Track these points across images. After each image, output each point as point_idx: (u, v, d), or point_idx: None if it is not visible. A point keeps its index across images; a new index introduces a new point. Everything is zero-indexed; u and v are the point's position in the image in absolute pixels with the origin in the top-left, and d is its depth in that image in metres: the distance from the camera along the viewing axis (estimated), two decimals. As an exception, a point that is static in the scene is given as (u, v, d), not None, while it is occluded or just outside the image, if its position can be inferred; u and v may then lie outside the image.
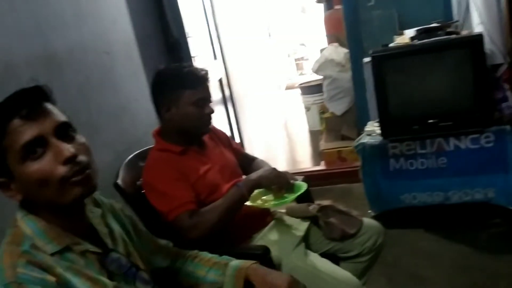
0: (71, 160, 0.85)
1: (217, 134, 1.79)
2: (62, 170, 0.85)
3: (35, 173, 0.84)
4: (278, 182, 1.52)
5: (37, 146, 0.84)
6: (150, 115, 2.19)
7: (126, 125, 2.11)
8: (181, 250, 1.24)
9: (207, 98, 1.59)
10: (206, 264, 1.18)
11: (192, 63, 2.56)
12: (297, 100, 5.75)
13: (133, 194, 1.57)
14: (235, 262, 1.16)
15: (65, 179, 0.85)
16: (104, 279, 0.89)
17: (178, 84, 1.55)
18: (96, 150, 0.95)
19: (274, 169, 1.55)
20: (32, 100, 0.85)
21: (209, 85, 1.60)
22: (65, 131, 0.88)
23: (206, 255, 1.22)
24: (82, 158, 0.87)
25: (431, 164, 2.55)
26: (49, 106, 0.88)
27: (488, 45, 2.32)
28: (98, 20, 2.05)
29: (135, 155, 1.75)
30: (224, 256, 1.20)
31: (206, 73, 1.59)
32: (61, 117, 0.89)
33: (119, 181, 1.57)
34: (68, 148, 0.85)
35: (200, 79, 1.57)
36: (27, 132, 0.83)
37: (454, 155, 2.49)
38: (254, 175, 1.52)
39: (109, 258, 0.95)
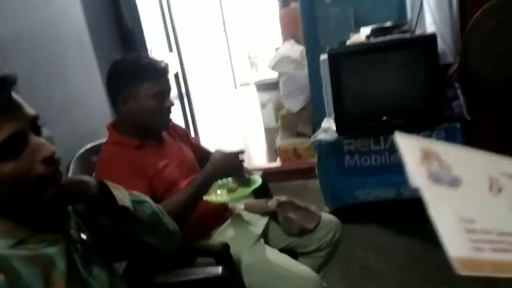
0: (51, 158, 0.79)
1: (176, 129, 1.73)
2: (40, 169, 0.79)
3: (10, 173, 0.76)
4: (234, 173, 1.52)
5: (14, 144, 0.77)
6: (103, 109, 2.11)
7: (77, 119, 2.01)
8: None
9: (167, 91, 1.53)
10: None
11: (149, 54, 2.47)
12: (253, 97, 5.74)
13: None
14: None
15: (42, 178, 0.79)
16: (60, 264, 0.84)
17: (137, 75, 1.47)
18: None
19: (230, 153, 1.53)
20: (4, 92, 0.77)
21: (169, 77, 1.55)
22: (36, 125, 0.82)
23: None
24: (58, 155, 0.82)
25: (385, 160, 2.60)
26: (17, 97, 0.81)
27: (440, 45, 2.39)
28: (47, 7, 1.93)
29: (86, 149, 1.68)
30: None
31: (167, 65, 1.53)
32: (31, 109, 0.82)
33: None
34: (48, 146, 0.80)
35: (160, 71, 1.50)
36: (5, 128, 0.75)
37: (407, 152, 2.55)
38: (209, 168, 1.49)
39: (69, 237, 0.90)
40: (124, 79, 1.48)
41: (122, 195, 1.01)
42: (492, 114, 2.66)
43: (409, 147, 0.46)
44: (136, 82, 1.47)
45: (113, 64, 1.52)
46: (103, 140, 1.60)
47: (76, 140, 1.89)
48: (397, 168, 2.58)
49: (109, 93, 1.54)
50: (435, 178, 0.43)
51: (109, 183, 1.01)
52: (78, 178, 0.98)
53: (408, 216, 2.67)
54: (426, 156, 0.45)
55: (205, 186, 1.45)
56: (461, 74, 2.49)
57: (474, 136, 2.68)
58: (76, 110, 2.02)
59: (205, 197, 1.50)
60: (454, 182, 0.44)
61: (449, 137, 2.46)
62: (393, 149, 2.57)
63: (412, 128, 2.49)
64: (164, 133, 1.63)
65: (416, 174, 0.43)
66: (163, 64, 1.51)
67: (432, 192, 0.42)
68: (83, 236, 0.96)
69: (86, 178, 0.98)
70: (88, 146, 1.70)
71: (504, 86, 2.34)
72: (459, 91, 2.48)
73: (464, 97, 2.51)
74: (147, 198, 1.12)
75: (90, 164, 1.59)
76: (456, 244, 0.41)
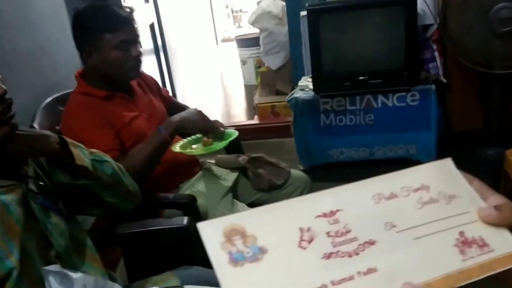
0: (1, 97, 0.79)
1: (146, 81, 1.70)
2: None
3: None
4: (203, 125, 1.47)
5: None
6: (73, 58, 2.04)
7: (45, 67, 1.95)
8: None
9: (132, 40, 1.47)
10: None
11: (117, 2, 2.37)
12: (234, 53, 5.65)
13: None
14: None
15: None
16: (16, 210, 0.83)
17: (97, 26, 1.41)
18: (9, 91, 0.86)
19: (200, 112, 1.50)
20: None
21: (135, 25, 1.48)
22: None
23: None
24: (9, 96, 0.82)
25: (359, 121, 2.62)
26: None
27: (420, 5, 2.36)
28: None
29: (54, 98, 1.63)
30: None
31: (131, 12, 1.46)
32: None
33: (35, 125, 1.46)
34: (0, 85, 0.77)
35: (122, 20, 1.43)
36: None
37: (381, 112, 2.57)
38: (176, 117, 1.46)
39: (27, 184, 0.89)
40: (84, 32, 1.43)
41: (82, 154, 1.00)
42: (469, 78, 2.68)
43: (210, 236, 0.45)
44: (96, 33, 1.41)
45: (74, 15, 1.45)
46: (71, 90, 1.56)
47: (44, 88, 1.85)
48: (371, 129, 2.61)
49: (76, 46, 1.48)
50: (235, 261, 0.44)
51: (69, 141, 0.99)
52: (38, 132, 0.97)
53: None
54: (228, 238, 0.45)
55: (170, 136, 1.42)
56: (439, 35, 2.48)
57: (448, 99, 2.71)
58: (45, 59, 1.96)
59: (180, 150, 1.49)
60: (257, 255, 0.44)
61: (424, 99, 2.48)
62: (368, 109, 2.59)
63: (388, 89, 2.51)
64: (134, 85, 1.60)
65: (217, 264, 0.43)
66: (126, 12, 1.44)
67: (229, 279, 0.43)
68: (42, 184, 0.95)
69: (47, 132, 0.97)
70: (56, 95, 1.66)
71: (482, 49, 2.34)
72: (436, 53, 2.48)
73: (441, 59, 2.51)
74: (108, 157, 1.10)
75: (58, 113, 1.55)
76: None
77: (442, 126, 2.54)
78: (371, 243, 0.46)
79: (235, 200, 1.57)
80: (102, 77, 1.48)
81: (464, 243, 0.46)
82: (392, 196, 0.49)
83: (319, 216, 0.47)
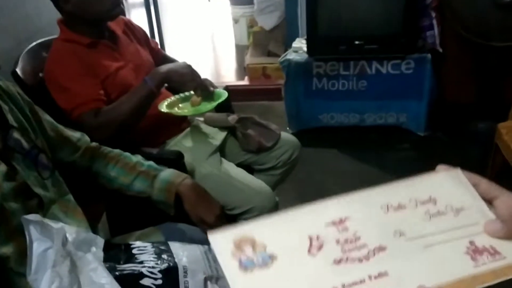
0: None
1: (134, 30, 1.62)
2: None
3: None
4: (192, 79, 1.41)
5: None
6: (58, 3, 1.95)
7: (30, 11, 1.85)
8: (100, 149, 1.12)
9: None
10: (131, 172, 1.08)
11: None
12: (226, 11, 5.50)
13: (34, 86, 1.41)
14: (164, 175, 1.07)
15: None
16: None
17: None
18: None
19: (189, 65, 1.44)
20: None
21: None
22: None
23: (130, 159, 1.11)
24: None
25: (352, 86, 2.59)
26: None
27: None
28: None
29: (38, 43, 1.56)
30: (150, 164, 1.10)
31: None
32: None
33: (18, 70, 1.40)
34: None
35: None
36: None
37: (374, 79, 2.54)
38: (163, 68, 1.40)
39: (10, 135, 0.84)
40: None
41: None
42: (465, 49, 2.64)
43: (220, 245, 0.47)
44: None
45: None
46: (56, 36, 1.49)
47: (27, 33, 1.77)
48: (363, 95, 2.59)
49: None
50: (245, 267, 0.45)
51: None
52: None
53: (369, 143, 2.72)
54: (238, 246, 0.46)
55: (156, 87, 1.36)
56: (439, 3, 2.42)
57: (443, 69, 2.68)
58: (29, 2, 1.86)
59: (167, 110, 1.45)
60: (267, 262, 0.45)
61: (418, 68, 2.45)
62: (361, 75, 2.55)
63: (383, 55, 2.46)
64: (119, 32, 1.53)
65: (228, 271, 0.45)
66: None
67: (241, 285, 0.44)
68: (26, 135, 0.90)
69: None
70: (40, 40, 1.58)
71: (481, 20, 2.29)
72: (434, 21, 2.43)
73: (439, 28, 2.46)
74: None
75: (42, 59, 1.48)
76: None
77: (434, 96, 2.52)
78: (381, 249, 0.46)
79: (223, 159, 1.54)
80: (84, 22, 1.41)
81: (475, 251, 0.46)
82: (401, 206, 0.50)
83: (328, 224, 0.48)
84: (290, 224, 0.49)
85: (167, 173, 1.08)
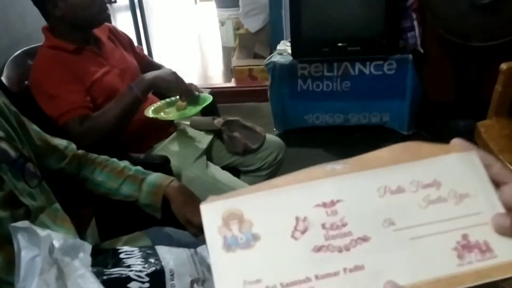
0: None
1: (118, 36, 1.64)
2: None
3: None
4: (177, 86, 1.44)
5: None
6: (42, 9, 1.95)
7: (13, 18, 1.85)
8: (87, 156, 1.13)
9: None
10: (119, 176, 1.09)
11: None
12: (212, 13, 5.52)
13: (20, 94, 1.42)
14: (151, 178, 1.08)
15: None
16: None
17: None
18: None
19: (174, 72, 1.46)
20: None
21: None
22: None
23: (117, 164, 1.12)
24: None
25: (336, 87, 2.63)
26: None
27: (401, -28, 2.34)
28: None
29: (23, 51, 1.57)
30: (137, 168, 1.12)
31: None
32: None
33: (3, 79, 1.41)
34: None
35: None
36: None
37: (358, 80, 2.58)
38: (149, 75, 1.42)
39: None
40: None
41: None
42: (445, 49, 2.70)
43: (210, 217, 0.46)
44: None
45: None
46: (41, 44, 1.50)
47: (11, 41, 1.77)
48: (347, 95, 2.63)
49: (35, 2, 1.41)
50: (228, 246, 0.45)
51: None
52: None
53: (354, 142, 2.76)
54: (226, 222, 0.46)
55: (142, 93, 1.38)
56: (419, 5, 2.47)
57: (424, 69, 2.73)
58: (13, 10, 1.86)
59: (153, 115, 1.47)
60: (250, 242, 0.45)
61: (400, 68, 2.49)
62: (345, 76, 2.59)
63: (366, 57, 2.50)
64: (104, 39, 1.54)
65: (212, 248, 0.45)
66: None
67: (220, 264, 0.44)
68: (13, 145, 0.91)
69: None
70: (25, 48, 1.59)
71: (461, 21, 2.34)
72: (415, 23, 2.47)
73: (420, 29, 2.51)
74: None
75: (27, 67, 1.49)
76: None
77: (418, 95, 2.57)
78: (365, 239, 0.44)
79: (209, 162, 1.56)
80: (71, 27, 1.43)
81: (465, 247, 0.43)
82: (399, 190, 0.46)
83: (318, 205, 0.46)
84: (280, 200, 0.47)
85: (154, 176, 1.09)
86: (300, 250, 0.44)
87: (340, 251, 0.44)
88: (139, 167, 1.13)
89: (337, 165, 0.49)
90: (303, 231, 0.45)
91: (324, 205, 0.46)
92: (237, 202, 0.47)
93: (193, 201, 1.06)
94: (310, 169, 0.49)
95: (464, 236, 0.44)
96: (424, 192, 0.46)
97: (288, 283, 0.43)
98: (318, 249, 0.44)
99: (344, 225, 0.45)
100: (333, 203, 0.46)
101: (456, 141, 0.48)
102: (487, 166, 0.46)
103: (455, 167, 0.47)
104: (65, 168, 1.09)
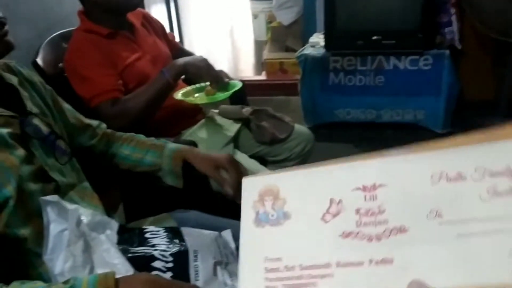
0: None
1: (151, 22, 1.65)
2: None
3: None
4: (208, 72, 1.43)
5: None
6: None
7: (51, 2, 1.89)
8: (115, 134, 1.16)
9: None
10: (143, 147, 1.12)
11: None
12: (246, 6, 5.51)
13: (54, 76, 1.45)
14: (172, 144, 1.12)
15: None
16: (11, 144, 0.81)
17: None
18: (13, 24, 0.84)
19: (206, 59, 1.46)
20: None
21: None
22: None
23: (143, 137, 1.15)
24: (2, 15, 0.79)
25: (369, 82, 2.58)
26: None
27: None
28: None
29: (58, 34, 1.60)
30: (161, 139, 1.15)
31: None
32: None
33: (39, 60, 1.43)
34: None
35: None
36: None
37: (392, 75, 2.52)
38: (180, 61, 1.42)
39: (27, 120, 0.86)
40: None
41: None
42: (484, 45, 2.61)
43: (248, 191, 0.48)
44: None
45: None
46: (76, 27, 1.53)
47: (48, 23, 1.80)
48: (380, 90, 2.57)
49: None
50: (259, 221, 0.46)
51: None
52: None
53: (385, 140, 2.70)
54: (261, 198, 0.47)
55: (173, 79, 1.39)
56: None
57: (462, 66, 2.65)
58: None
59: (181, 98, 1.47)
60: (280, 220, 0.45)
61: (437, 64, 2.42)
62: (379, 71, 2.54)
63: (401, 51, 2.45)
64: (138, 24, 1.55)
65: (244, 220, 0.46)
66: None
67: (248, 238, 0.46)
68: (46, 122, 0.93)
69: None
70: (61, 31, 1.62)
71: (501, 16, 2.26)
72: (454, 17, 2.39)
73: (458, 24, 2.43)
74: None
75: (62, 50, 1.52)
76: (250, 284, 0.44)
77: (454, 93, 2.49)
78: (401, 230, 0.40)
79: (236, 150, 1.56)
80: (105, 11, 1.44)
81: None
82: (459, 177, 0.40)
83: (357, 188, 0.43)
84: (318, 181, 0.45)
85: (175, 144, 1.13)
86: (327, 233, 0.43)
87: (370, 239, 0.41)
88: (162, 139, 1.15)
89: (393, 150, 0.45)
90: (335, 214, 0.43)
91: (364, 188, 0.43)
92: (276, 178, 0.48)
93: (213, 155, 1.06)
94: (367, 154, 0.46)
95: None
96: (491, 181, 0.38)
97: (308, 266, 0.42)
98: (346, 235, 0.42)
99: (381, 212, 0.41)
100: (374, 187, 0.43)
101: None
102: None
103: None
104: (96, 145, 1.11)
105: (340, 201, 0.44)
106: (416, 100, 2.55)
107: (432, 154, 0.42)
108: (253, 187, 0.47)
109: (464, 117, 2.61)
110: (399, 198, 0.41)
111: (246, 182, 0.48)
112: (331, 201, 0.44)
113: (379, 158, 0.44)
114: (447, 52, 2.41)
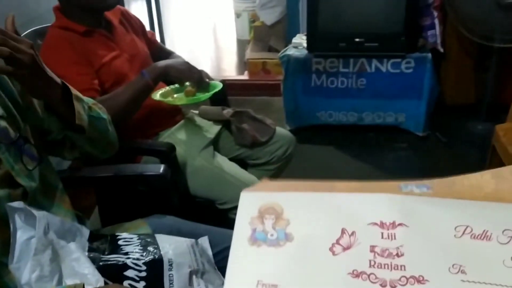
0: None
1: (130, 20, 1.60)
2: None
3: None
4: (189, 75, 1.40)
5: None
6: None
7: (26, -2, 1.84)
8: None
9: None
10: None
11: None
12: (229, 5, 5.48)
13: (27, 74, 1.39)
14: None
15: None
16: None
17: None
18: None
19: (187, 62, 1.44)
20: None
21: None
22: None
23: None
24: None
25: (351, 84, 2.57)
26: None
27: (425, -32, 2.27)
28: None
29: (33, 30, 1.54)
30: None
31: None
32: None
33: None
34: None
35: None
36: None
37: (374, 78, 2.52)
38: (162, 63, 1.40)
39: None
40: None
41: (82, 110, 0.94)
42: (466, 49, 2.63)
43: (246, 206, 0.43)
44: None
45: None
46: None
47: (23, 20, 1.74)
48: (362, 93, 2.57)
49: None
50: (254, 240, 0.41)
51: (74, 93, 0.93)
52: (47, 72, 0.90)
53: (367, 142, 2.70)
54: (261, 214, 0.42)
55: (153, 81, 1.36)
56: (441, 2, 2.40)
57: (443, 69, 2.66)
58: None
59: (160, 99, 1.43)
60: (280, 241, 0.40)
61: (419, 67, 2.43)
62: (361, 73, 2.53)
63: (383, 54, 2.45)
64: (115, 22, 1.51)
65: (237, 236, 0.41)
66: None
67: (239, 256, 0.41)
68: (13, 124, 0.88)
69: (54, 77, 0.92)
70: (36, 27, 1.56)
71: (484, 20, 2.27)
72: (436, 21, 2.40)
73: (441, 28, 2.44)
74: (105, 114, 1.05)
75: (36, 46, 1.45)
76: None
77: (434, 96, 2.50)
78: (419, 280, 0.36)
79: (216, 153, 1.52)
80: (82, 8, 1.40)
81: None
82: (484, 236, 0.37)
83: (374, 223, 0.39)
84: (331, 206, 0.41)
85: None
86: (335, 268, 0.38)
87: (383, 285, 0.36)
88: None
89: (417, 188, 0.40)
90: (346, 248, 0.39)
91: (382, 225, 0.39)
92: (282, 197, 0.42)
93: None
94: (382, 182, 0.42)
95: None
96: None
97: None
98: (357, 274, 0.37)
99: (399, 255, 0.37)
100: (394, 225, 0.38)
101: None
102: None
103: None
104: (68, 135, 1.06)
105: (353, 233, 0.39)
106: (398, 103, 2.55)
107: (459, 203, 0.38)
108: (253, 202, 0.42)
109: (445, 120, 2.63)
110: (420, 243, 0.38)
111: (245, 195, 0.43)
112: (343, 231, 0.39)
113: (401, 195, 0.40)
114: (429, 55, 2.41)
